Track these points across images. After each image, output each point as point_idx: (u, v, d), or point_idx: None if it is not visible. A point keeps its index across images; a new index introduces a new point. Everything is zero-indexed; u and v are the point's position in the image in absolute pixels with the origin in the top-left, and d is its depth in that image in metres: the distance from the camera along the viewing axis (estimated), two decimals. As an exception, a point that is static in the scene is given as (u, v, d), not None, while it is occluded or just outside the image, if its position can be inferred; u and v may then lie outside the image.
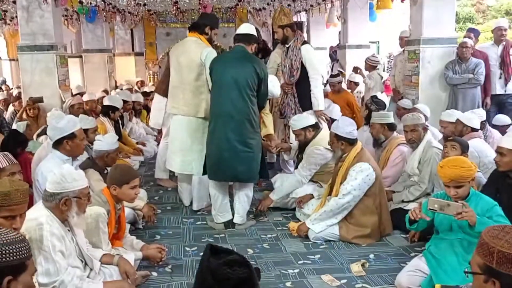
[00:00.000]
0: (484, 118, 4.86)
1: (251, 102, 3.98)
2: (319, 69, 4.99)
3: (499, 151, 3.23)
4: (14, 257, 1.49)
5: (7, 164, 3.27)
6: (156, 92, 5.54)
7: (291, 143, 4.97)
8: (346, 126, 3.87)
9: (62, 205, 2.58)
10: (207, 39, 4.54)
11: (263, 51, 5.90)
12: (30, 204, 2.67)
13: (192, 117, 4.46)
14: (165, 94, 5.10)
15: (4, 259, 1.47)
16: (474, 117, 4.47)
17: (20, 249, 1.52)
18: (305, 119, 4.51)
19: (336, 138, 3.90)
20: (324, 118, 4.93)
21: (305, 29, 13.49)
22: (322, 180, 4.44)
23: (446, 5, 6.06)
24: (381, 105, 5.62)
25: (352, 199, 3.73)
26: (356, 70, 8.57)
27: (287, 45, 4.99)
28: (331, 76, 7.51)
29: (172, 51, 4.70)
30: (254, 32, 4.21)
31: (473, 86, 5.90)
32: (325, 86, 8.40)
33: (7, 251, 1.48)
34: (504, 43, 6.26)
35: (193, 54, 4.38)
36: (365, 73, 8.33)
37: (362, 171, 3.72)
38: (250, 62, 3.99)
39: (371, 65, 8.00)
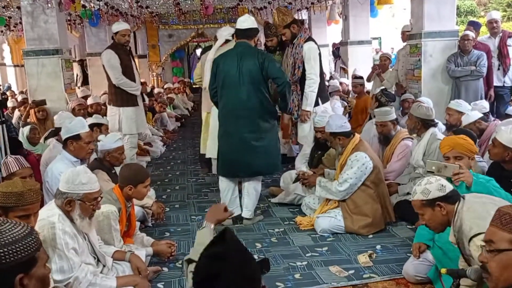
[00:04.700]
0: (488, 109, 4.88)
1: (261, 95, 4.00)
2: (316, 69, 4.85)
3: (493, 141, 3.33)
4: (23, 254, 1.44)
5: (18, 168, 3.33)
6: (113, 104, 5.63)
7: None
8: (337, 121, 3.97)
9: (66, 205, 2.62)
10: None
11: (281, 45, 5.77)
12: (41, 205, 2.72)
13: None
14: (116, 104, 5.50)
15: (12, 258, 1.41)
16: (474, 110, 4.50)
17: (27, 244, 1.46)
18: None
19: (332, 136, 4.00)
20: (306, 118, 4.91)
21: (306, 27, 13.53)
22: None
23: (446, -2, 6.10)
24: (391, 98, 5.62)
25: (348, 187, 3.82)
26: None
27: (293, 42, 4.95)
28: (355, 77, 7.35)
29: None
30: (255, 25, 4.15)
31: (476, 78, 5.94)
32: (328, 81, 8.39)
33: (15, 250, 1.43)
34: (500, 34, 6.30)
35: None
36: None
37: (358, 160, 3.81)
38: (252, 56, 3.98)
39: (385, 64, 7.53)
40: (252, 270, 1.43)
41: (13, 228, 1.48)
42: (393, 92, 6.75)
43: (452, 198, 2.37)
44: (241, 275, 1.39)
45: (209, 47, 6.08)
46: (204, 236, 2.13)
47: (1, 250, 1.41)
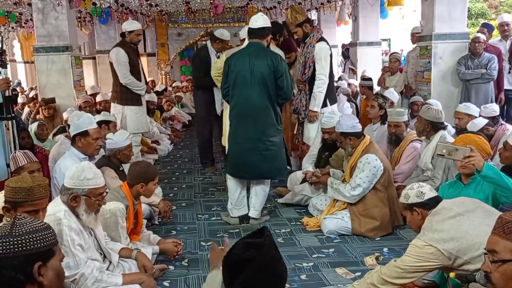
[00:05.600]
0: (498, 113, 4.84)
1: (271, 98, 3.97)
2: (326, 70, 4.80)
3: (505, 144, 3.31)
4: (42, 244, 1.54)
5: (26, 162, 3.36)
6: (117, 102, 5.66)
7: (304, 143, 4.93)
8: (349, 121, 3.94)
9: (71, 200, 2.62)
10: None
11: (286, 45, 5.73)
12: (49, 201, 2.72)
13: None
14: (120, 102, 5.54)
15: (32, 246, 1.52)
16: (480, 116, 4.50)
17: (46, 235, 1.57)
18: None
19: (343, 136, 3.96)
20: (314, 119, 4.88)
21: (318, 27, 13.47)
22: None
23: (458, 0, 6.05)
24: (388, 100, 5.60)
25: (362, 191, 3.80)
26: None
27: (305, 42, 4.90)
28: (363, 79, 7.30)
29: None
30: (268, 24, 4.09)
31: (486, 81, 5.89)
32: (336, 81, 8.35)
33: (35, 238, 1.53)
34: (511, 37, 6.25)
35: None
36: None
37: (369, 163, 3.78)
38: (265, 58, 3.94)
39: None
40: (282, 267, 1.47)
41: (33, 221, 1.59)
42: (400, 94, 6.72)
43: (428, 205, 2.56)
44: (272, 268, 1.42)
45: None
46: (213, 277, 1.93)
47: (23, 237, 1.51)
